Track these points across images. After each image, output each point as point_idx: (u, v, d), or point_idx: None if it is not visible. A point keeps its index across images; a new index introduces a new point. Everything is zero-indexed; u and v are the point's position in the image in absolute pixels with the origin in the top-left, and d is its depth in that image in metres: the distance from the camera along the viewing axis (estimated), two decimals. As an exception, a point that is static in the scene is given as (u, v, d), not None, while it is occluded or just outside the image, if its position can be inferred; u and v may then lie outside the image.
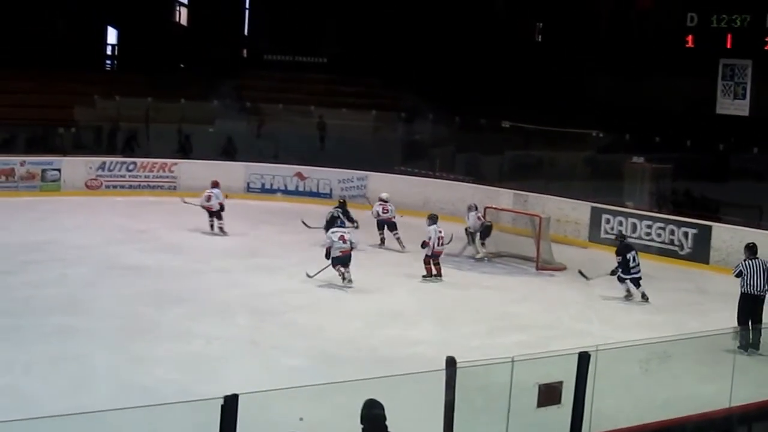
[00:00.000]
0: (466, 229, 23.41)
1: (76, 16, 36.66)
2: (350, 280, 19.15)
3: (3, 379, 12.87)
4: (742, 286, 15.97)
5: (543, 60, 34.42)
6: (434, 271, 20.58)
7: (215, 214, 24.31)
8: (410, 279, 20.58)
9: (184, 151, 32.37)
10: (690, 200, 26.67)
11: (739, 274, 16.08)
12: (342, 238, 19.39)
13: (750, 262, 16.04)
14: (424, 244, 20.54)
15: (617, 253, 19.56)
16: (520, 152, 30.97)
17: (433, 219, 21.07)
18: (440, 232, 20.65)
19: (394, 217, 24.02)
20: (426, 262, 20.54)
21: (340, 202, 24.68)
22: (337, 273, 18.98)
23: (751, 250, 16.27)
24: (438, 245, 20.55)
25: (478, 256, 23.04)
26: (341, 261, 19.17)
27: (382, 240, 23.93)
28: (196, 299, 17.80)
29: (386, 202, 24.06)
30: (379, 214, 23.92)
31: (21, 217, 25.39)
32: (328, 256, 19.30)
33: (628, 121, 29.15)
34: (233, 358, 14.29)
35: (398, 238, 23.40)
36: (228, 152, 32.71)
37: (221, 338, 15.38)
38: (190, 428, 8.29)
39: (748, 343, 14.27)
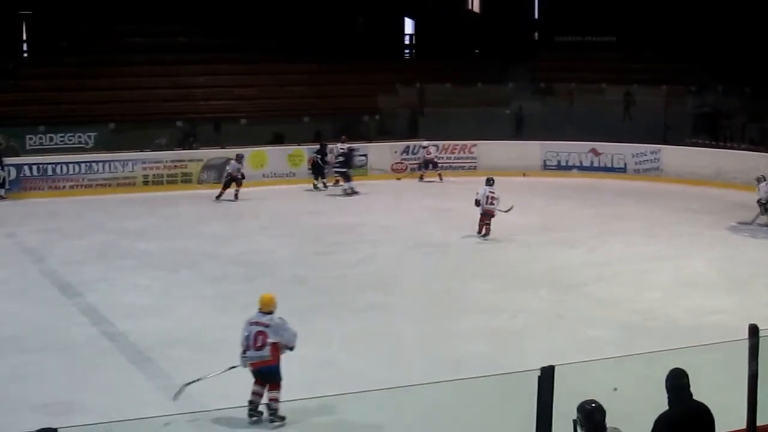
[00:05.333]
0: (758, 201, 23.20)
1: (375, 11, 38.23)
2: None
3: (322, 353, 13.42)
4: None
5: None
6: (483, 231, 21.08)
7: None
8: (706, 249, 20.77)
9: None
10: None
11: None
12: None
13: None
14: (477, 203, 21.20)
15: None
16: (812, 120, 30.18)
17: (487, 181, 21.55)
18: (492, 192, 21.17)
19: None
20: (480, 220, 21.13)
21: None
22: None
23: None
24: (487, 204, 21.09)
25: (773, 224, 22.91)
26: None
27: None
28: (499, 274, 18.38)
29: None
30: None
31: (331, 201, 26.95)
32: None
33: None
34: (538, 331, 14.53)
35: None
36: (519, 123, 33.99)
37: (526, 311, 15.68)
38: (499, 400, 8.88)
39: None
